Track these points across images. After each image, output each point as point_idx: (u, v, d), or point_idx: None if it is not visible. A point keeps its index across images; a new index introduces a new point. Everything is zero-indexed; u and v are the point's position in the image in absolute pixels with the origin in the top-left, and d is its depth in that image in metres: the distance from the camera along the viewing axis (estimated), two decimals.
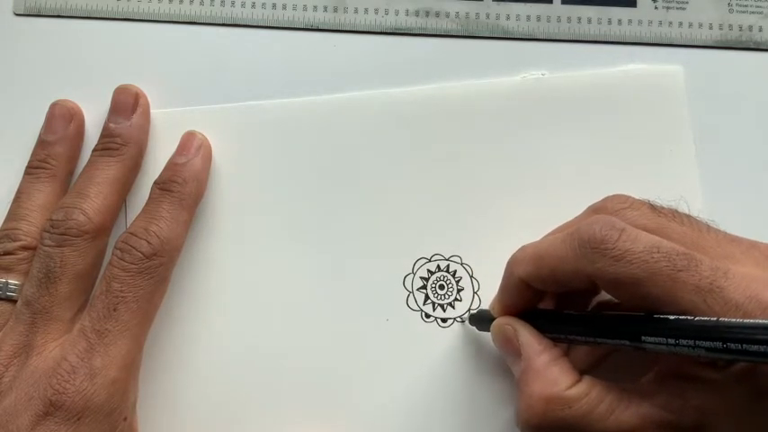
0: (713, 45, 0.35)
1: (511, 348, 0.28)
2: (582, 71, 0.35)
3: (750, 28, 0.36)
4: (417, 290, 0.33)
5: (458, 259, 0.33)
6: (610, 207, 0.27)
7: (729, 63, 0.35)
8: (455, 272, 0.33)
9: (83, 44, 0.34)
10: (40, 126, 0.33)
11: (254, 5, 0.35)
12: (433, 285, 0.33)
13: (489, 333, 0.30)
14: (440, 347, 0.32)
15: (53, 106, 0.33)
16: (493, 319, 0.29)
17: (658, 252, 0.23)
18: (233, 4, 0.35)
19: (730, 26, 0.36)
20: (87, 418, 0.26)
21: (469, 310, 0.33)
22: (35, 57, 0.34)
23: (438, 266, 0.33)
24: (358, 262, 0.33)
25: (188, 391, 0.32)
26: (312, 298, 0.32)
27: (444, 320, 0.33)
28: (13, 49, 0.34)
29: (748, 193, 0.34)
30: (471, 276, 0.33)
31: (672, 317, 0.23)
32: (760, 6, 0.36)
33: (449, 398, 0.32)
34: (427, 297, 0.33)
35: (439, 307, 0.33)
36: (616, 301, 0.27)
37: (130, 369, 0.28)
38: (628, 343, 0.24)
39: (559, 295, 0.29)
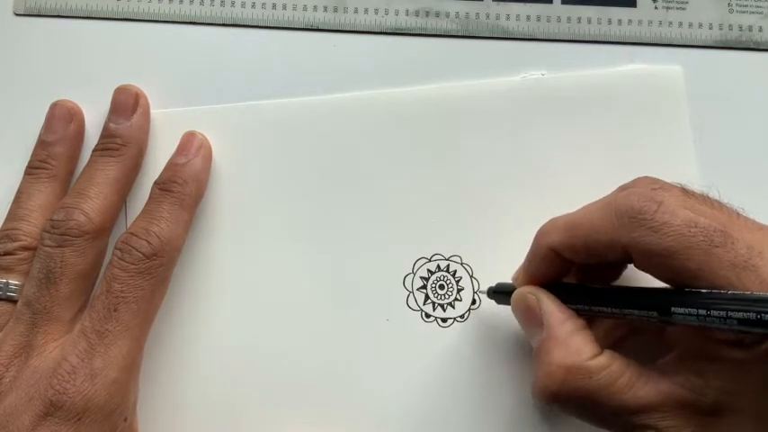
0: (713, 45, 0.35)
1: (532, 317, 0.28)
2: (582, 71, 0.35)
3: (750, 28, 0.36)
4: (417, 290, 0.33)
5: (458, 259, 0.33)
6: (641, 186, 0.27)
7: (729, 63, 0.35)
8: (455, 272, 0.33)
9: (83, 44, 0.35)
10: (40, 126, 0.33)
11: (254, 5, 0.35)
12: (433, 285, 0.33)
13: (506, 309, 0.30)
14: (440, 347, 0.32)
15: (53, 106, 0.33)
16: (513, 291, 0.29)
17: (696, 227, 0.23)
18: (233, 4, 0.35)
19: (730, 26, 0.36)
20: (88, 418, 0.26)
21: (470, 309, 0.33)
22: (35, 57, 0.34)
23: (438, 266, 0.33)
24: (358, 262, 0.33)
25: (188, 391, 0.32)
26: (312, 298, 0.32)
27: (444, 320, 0.33)
28: (13, 49, 0.34)
29: (748, 192, 0.34)
30: (471, 276, 0.33)
31: (704, 290, 0.23)
32: (760, 6, 0.36)
33: (449, 397, 0.32)
34: (427, 297, 0.33)
35: (439, 307, 0.33)
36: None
37: (131, 369, 0.28)
38: (656, 315, 0.24)
39: (582, 275, 0.29)
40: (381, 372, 0.32)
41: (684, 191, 0.26)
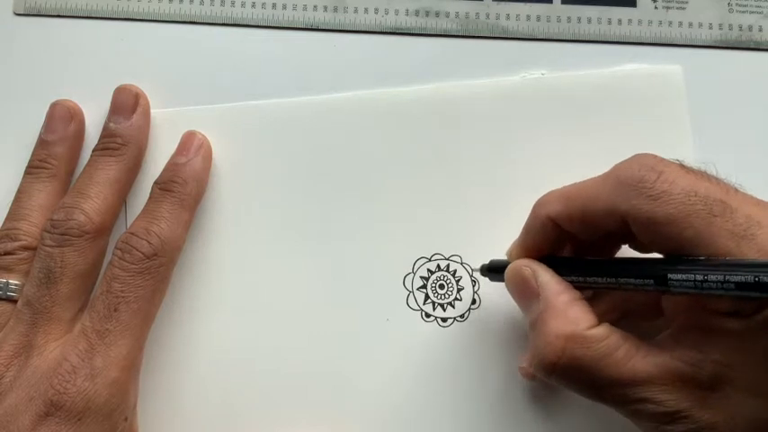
0: (713, 45, 0.36)
1: (527, 290, 0.27)
2: (582, 71, 0.35)
3: (750, 28, 0.36)
4: (417, 289, 0.33)
5: (458, 259, 0.33)
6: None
7: (729, 63, 0.35)
8: (455, 271, 0.33)
9: (83, 44, 0.35)
10: (40, 126, 0.33)
11: (254, 5, 0.35)
12: (433, 285, 0.33)
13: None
14: (440, 347, 0.32)
15: (53, 106, 0.33)
16: (507, 266, 0.29)
17: (696, 195, 0.24)
18: (233, 4, 0.35)
19: (730, 26, 0.36)
20: (88, 418, 0.26)
21: (470, 309, 0.33)
22: (35, 57, 0.34)
23: (438, 266, 0.33)
24: (358, 262, 0.33)
25: (188, 391, 0.32)
26: (312, 298, 0.33)
27: (444, 320, 0.33)
28: (13, 49, 0.34)
29: (748, 192, 0.34)
30: (471, 276, 0.33)
31: (702, 257, 0.23)
32: (760, 6, 0.36)
33: (449, 397, 0.32)
34: (427, 297, 0.33)
35: (439, 306, 0.33)
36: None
37: (131, 369, 0.28)
38: (652, 283, 0.24)
39: (577, 252, 0.29)
40: (381, 371, 0.32)
41: (682, 167, 0.26)
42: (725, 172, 0.34)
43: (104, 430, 0.27)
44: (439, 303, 0.33)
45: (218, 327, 0.32)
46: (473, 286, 0.33)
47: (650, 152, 0.27)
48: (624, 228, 0.25)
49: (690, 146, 0.34)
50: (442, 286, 0.33)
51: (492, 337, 0.32)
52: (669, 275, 0.23)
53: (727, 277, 0.22)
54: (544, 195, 0.28)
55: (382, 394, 0.32)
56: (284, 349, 0.32)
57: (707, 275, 0.22)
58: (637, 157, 0.27)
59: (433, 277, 0.33)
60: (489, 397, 0.32)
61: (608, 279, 0.26)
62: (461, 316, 0.33)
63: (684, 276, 0.23)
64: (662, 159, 0.26)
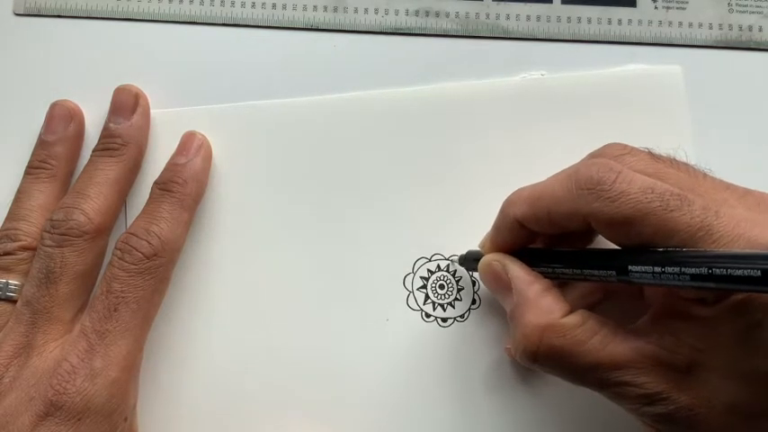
0: (713, 45, 0.36)
1: (500, 284, 0.28)
2: (582, 71, 0.35)
3: (750, 28, 0.36)
4: (417, 289, 0.33)
5: (458, 259, 0.33)
6: (609, 153, 0.27)
7: (729, 63, 0.35)
8: (455, 271, 0.33)
9: (83, 44, 0.35)
10: (40, 126, 0.33)
11: (254, 5, 0.35)
12: (433, 285, 0.33)
13: (477, 276, 0.30)
14: (440, 347, 0.32)
15: (53, 106, 0.33)
16: (481, 257, 0.30)
17: (652, 192, 0.24)
18: (233, 4, 0.35)
19: (730, 26, 0.36)
20: (88, 418, 0.26)
21: (470, 309, 0.33)
22: (35, 57, 0.34)
23: (438, 266, 0.33)
24: (358, 261, 0.33)
25: (188, 392, 0.32)
26: (312, 298, 0.33)
27: (444, 320, 0.33)
28: (13, 49, 0.34)
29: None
30: (471, 276, 0.33)
31: (660, 249, 0.23)
32: (760, 6, 0.36)
33: (449, 397, 0.32)
34: (427, 297, 0.33)
35: (439, 307, 0.33)
36: None
37: (131, 369, 0.28)
38: (614, 275, 0.25)
39: (551, 243, 0.29)
40: (381, 371, 0.32)
41: (651, 155, 0.27)
42: (725, 172, 0.34)
43: (104, 430, 0.27)
44: (439, 303, 0.33)
45: (217, 327, 0.32)
46: (473, 286, 0.33)
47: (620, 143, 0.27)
48: (589, 227, 0.26)
49: (690, 146, 0.34)
50: (442, 286, 0.33)
51: (492, 337, 0.32)
52: (630, 267, 0.24)
53: (683, 269, 0.22)
54: (512, 194, 0.29)
55: (382, 394, 0.32)
56: (284, 349, 0.32)
57: (664, 267, 0.23)
58: (604, 150, 0.27)
59: (433, 277, 0.33)
60: (489, 397, 0.32)
61: (573, 270, 0.26)
62: (461, 316, 0.33)
63: (643, 268, 0.23)
64: (630, 151, 0.27)
